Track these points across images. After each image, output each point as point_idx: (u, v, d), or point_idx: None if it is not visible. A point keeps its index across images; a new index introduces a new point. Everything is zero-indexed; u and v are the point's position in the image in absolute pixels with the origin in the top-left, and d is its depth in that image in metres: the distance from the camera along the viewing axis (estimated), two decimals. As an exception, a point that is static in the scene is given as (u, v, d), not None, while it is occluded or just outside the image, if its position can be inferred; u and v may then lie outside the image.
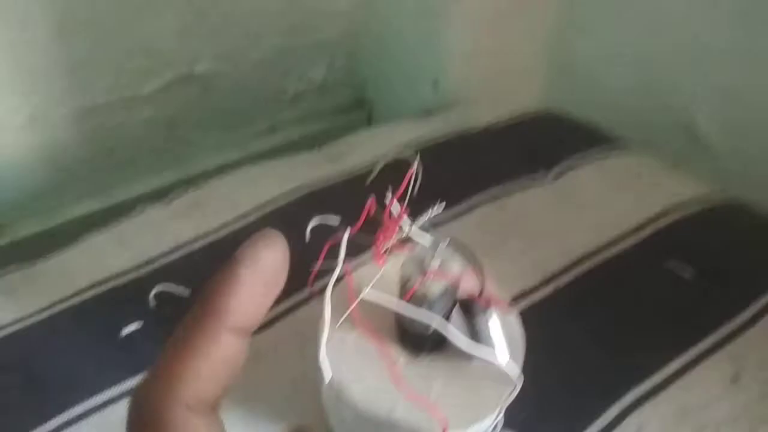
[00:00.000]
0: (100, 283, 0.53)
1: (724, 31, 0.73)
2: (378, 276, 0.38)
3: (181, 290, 0.51)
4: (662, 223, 0.59)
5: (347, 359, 0.38)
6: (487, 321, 0.38)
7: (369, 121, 1.07)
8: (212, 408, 0.21)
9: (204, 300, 0.21)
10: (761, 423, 0.44)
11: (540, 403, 0.43)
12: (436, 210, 0.37)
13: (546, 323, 0.48)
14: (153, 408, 0.20)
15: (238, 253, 0.21)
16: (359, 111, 1.07)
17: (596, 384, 0.46)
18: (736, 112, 0.75)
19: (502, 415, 0.40)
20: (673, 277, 0.54)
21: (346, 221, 0.36)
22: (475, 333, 0.38)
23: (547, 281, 0.53)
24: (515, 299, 0.51)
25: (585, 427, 0.43)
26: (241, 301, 0.21)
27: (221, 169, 0.69)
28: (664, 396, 0.45)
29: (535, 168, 0.66)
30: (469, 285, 0.37)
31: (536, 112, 0.78)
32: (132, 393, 0.20)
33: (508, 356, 0.38)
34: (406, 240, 0.39)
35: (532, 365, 0.38)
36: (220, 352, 0.20)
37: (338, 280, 0.39)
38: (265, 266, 0.21)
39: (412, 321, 0.36)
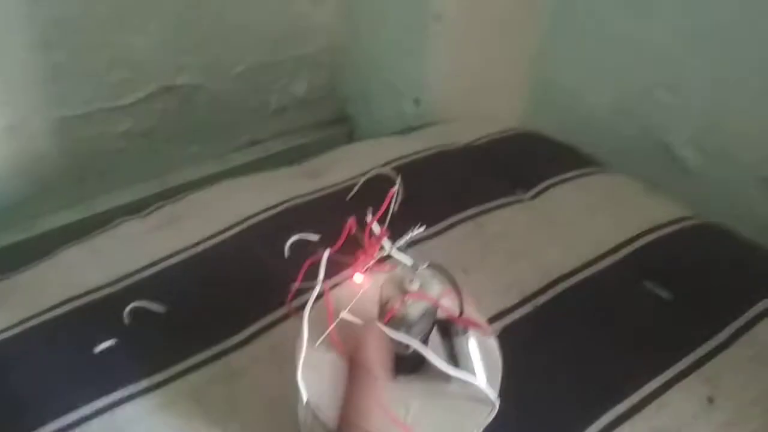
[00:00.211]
0: (74, 298, 0.52)
1: (703, 55, 0.74)
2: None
3: (156, 307, 0.50)
4: (639, 243, 0.59)
5: (324, 379, 0.37)
6: (465, 342, 0.38)
7: (350, 136, 1.07)
8: None
9: None
10: (735, 445, 0.44)
11: (518, 423, 0.43)
12: (416, 232, 0.37)
13: (524, 343, 0.48)
14: None
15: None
16: (340, 126, 1.07)
17: (573, 404, 0.46)
18: (713, 135, 0.77)
19: (479, 436, 0.40)
20: (650, 298, 0.54)
21: (326, 238, 0.36)
22: (454, 354, 0.38)
23: (525, 301, 0.53)
24: (493, 319, 0.51)
25: (562, 449, 0.43)
26: None
27: (200, 182, 0.69)
28: (640, 416, 0.45)
29: (514, 187, 0.66)
30: (448, 306, 0.37)
31: (516, 132, 0.79)
32: None
33: (487, 377, 0.38)
34: (386, 259, 0.39)
35: (510, 386, 0.38)
36: None
37: (317, 299, 0.39)
38: None
39: (391, 342, 0.36)
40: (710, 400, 0.47)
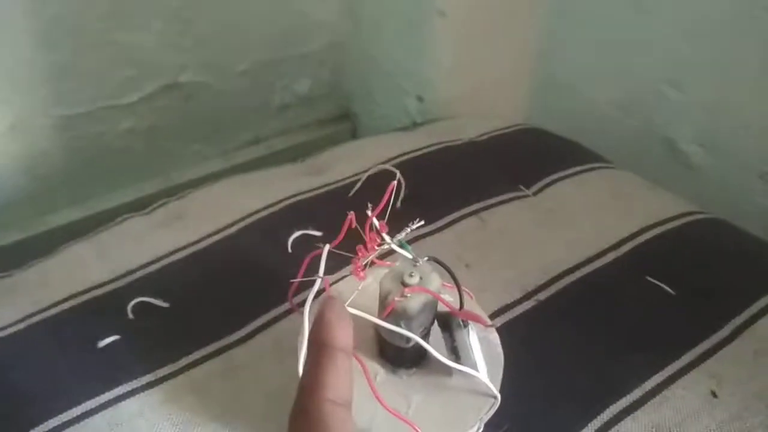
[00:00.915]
0: (78, 294, 0.52)
1: (707, 51, 0.74)
2: (357, 290, 0.37)
3: (159, 302, 0.51)
4: (642, 239, 0.59)
5: (326, 373, 0.37)
6: (466, 336, 0.38)
7: (353, 134, 1.08)
8: (348, 404, 0.29)
9: (316, 339, 0.30)
10: (738, 439, 0.44)
11: (519, 418, 0.43)
12: (415, 225, 0.37)
13: (525, 338, 0.49)
14: (310, 407, 0.28)
15: (321, 308, 0.31)
16: (344, 124, 1.07)
17: (575, 399, 0.46)
18: (717, 131, 0.76)
19: (481, 430, 0.40)
20: (653, 293, 0.54)
21: (328, 234, 0.36)
22: (455, 348, 0.38)
23: (527, 296, 0.53)
24: (495, 314, 0.51)
25: (564, 443, 0.43)
26: (338, 332, 0.30)
27: (203, 180, 0.69)
28: (643, 411, 0.45)
29: (517, 183, 0.66)
30: (448, 300, 0.37)
31: (520, 128, 0.79)
32: (293, 405, 0.29)
33: (488, 371, 0.38)
34: (387, 254, 0.39)
35: (511, 379, 0.39)
36: (341, 366, 0.29)
37: (318, 293, 0.39)
38: (339, 308, 0.31)
39: (392, 335, 0.36)
40: (714, 395, 0.46)
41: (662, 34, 0.78)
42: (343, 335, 0.30)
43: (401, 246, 0.37)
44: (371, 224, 0.37)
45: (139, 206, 0.64)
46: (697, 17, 0.74)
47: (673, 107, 0.80)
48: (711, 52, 0.74)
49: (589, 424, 0.44)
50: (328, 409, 0.28)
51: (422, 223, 0.37)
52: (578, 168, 0.69)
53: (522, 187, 0.66)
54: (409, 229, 0.37)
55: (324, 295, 0.35)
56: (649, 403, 0.46)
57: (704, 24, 0.73)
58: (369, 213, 0.36)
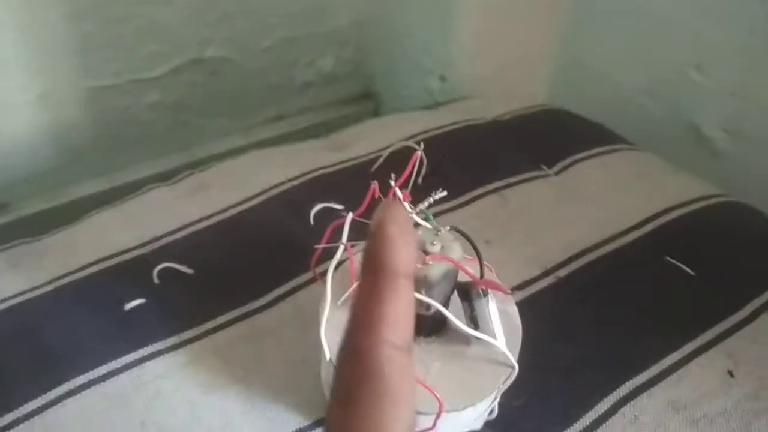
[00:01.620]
0: (105, 258, 0.53)
1: (734, 35, 0.73)
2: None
3: (184, 268, 0.52)
4: (664, 219, 0.59)
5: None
6: (485, 305, 0.39)
7: (376, 112, 1.08)
8: (409, 348, 0.23)
9: (372, 259, 0.24)
10: (755, 418, 0.44)
11: (536, 390, 0.44)
12: (438, 195, 0.37)
13: (545, 313, 0.49)
14: (363, 349, 0.22)
15: (378, 217, 0.25)
16: (366, 102, 1.08)
17: (592, 374, 0.46)
18: (743, 117, 0.76)
19: (498, 399, 0.41)
20: (673, 273, 0.54)
21: (350, 206, 0.37)
22: (474, 317, 0.39)
23: (546, 273, 0.54)
24: (515, 289, 0.51)
25: (580, 416, 0.44)
26: (401, 251, 0.24)
27: (226, 155, 0.70)
28: (659, 388, 0.45)
29: (539, 162, 0.66)
30: (468, 270, 0.38)
31: (543, 108, 0.79)
32: (342, 344, 0.24)
33: (506, 340, 0.38)
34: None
35: (529, 353, 0.39)
36: (403, 298, 0.23)
37: (340, 262, 0.40)
38: (403, 218, 0.25)
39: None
40: (730, 374, 0.47)
41: (688, 17, 0.77)
42: (406, 257, 0.24)
43: (423, 215, 0.37)
44: (394, 194, 0.37)
45: (163, 179, 0.65)
46: (723, 2, 0.73)
47: (698, 92, 0.79)
48: (737, 37, 0.73)
49: (605, 399, 0.45)
50: (387, 353, 0.22)
51: (445, 193, 0.37)
52: (601, 149, 0.69)
53: (544, 167, 0.66)
54: (432, 199, 0.37)
55: (386, 200, 0.29)
56: (665, 380, 0.46)
57: (731, 7, 0.72)
58: (392, 183, 0.37)
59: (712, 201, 0.62)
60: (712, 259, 0.55)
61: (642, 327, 0.50)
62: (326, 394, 0.42)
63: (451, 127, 0.71)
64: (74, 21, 0.76)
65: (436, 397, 0.35)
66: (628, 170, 0.67)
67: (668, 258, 0.55)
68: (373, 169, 0.62)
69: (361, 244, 0.42)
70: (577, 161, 0.67)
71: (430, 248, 0.36)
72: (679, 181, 0.66)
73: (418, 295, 0.35)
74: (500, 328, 0.39)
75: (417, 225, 0.37)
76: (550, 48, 0.93)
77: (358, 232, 0.36)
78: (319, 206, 0.57)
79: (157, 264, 0.51)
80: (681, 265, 0.55)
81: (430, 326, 0.39)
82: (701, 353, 0.48)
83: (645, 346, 0.48)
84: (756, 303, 0.52)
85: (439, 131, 0.70)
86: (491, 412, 0.42)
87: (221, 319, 0.48)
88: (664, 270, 0.55)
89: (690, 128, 0.81)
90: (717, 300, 0.52)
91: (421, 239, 0.37)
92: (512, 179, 0.63)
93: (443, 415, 0.35)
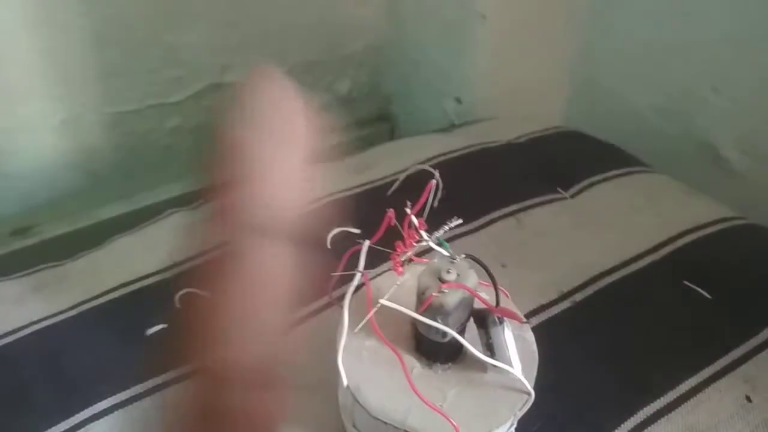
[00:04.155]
0: (127, 284, 0.54)
1: (750, 55, 0.73)
2: (396, 285, 0.39)
3: (204, 293, 0.52)
4: (680, 243, 0.59)
5: (364, 365, 0.39)
6: (501, 332, 0.39)
7: (392, 135, 1.09)
8: None
9: None
10: (773, 444, 0.44)
11: (553, 416, 0.44)
12: (454, 224, 0.38)
13: (561, 338, 0.49)
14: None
15: None
16: (383, 125, 1.09)
17: (609, 400, 0.46)
18: (759, 137, 0.75)
19: (515, 426, 0.41)
20: (689, 297, 0.54)
21: (367, 231, 0.38)
22: (490, 344, 0.39)
23: (563, 297, 0.54)
24: (531, 314, 0.51)
25: (597, 442, 0.44)
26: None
27: (246, 178, 0.70)
28: (677, 413, 0.45)
29: (554, 185, 0.66)
30: (484, 298, 0.38)
31: (558, 130, 0.79)
32: None
33: (522, 367, 0.38)
34: (425, 251, 0.40)
35: (546, 378, 0.39)
36: None
37: (357, 288, 0.40)
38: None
39: (429, 330, 0.37)
40: (748, 399, 0.46)
41: (704, 38, 0.77)
42: None
43: (439, 243, 0.38)
44: (410, 222, 0.38)
45: (184, 202, 0.66)
46: (739, 21, 0.73)
47: (714, 113, 0.79)
48: (753, 57, 0.73)
49: (622, 425, 0.45)
50: None
51: (460, 221, 0.38)
52: (616, 171, 0.69)
53: (560, 190, 0.66)
54: (447, 227, 0.38)
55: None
56: (683, 405, 0.46)
57: (747, 28, 0.73)
58: (408, 211, 0.37)
59: (729, 224, 0.62)
60: (729, 283, 0.55)
61: (659, 351, 0.50)
62: (344, 419, 0.42)
63: (467, 150, 0.72)
64: (97, 48, 0.77)
65: (453, 425, 0.35)
66: (644, 193, 0.67)
67: (686, 282, 0.55)
68: (389, 193, 0.63)
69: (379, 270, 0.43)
70: (593, 184, 0.67)
71: (445, 276, 0.36)
72: (696, 203, 0.66)
73: (434, 323, 0.36)
74: (516, 354, 0.39)
75: (432, 252, 0.37)
76: (565, 70, 0.94)
77: (376, 257, 0.36)
78: (335, 231, 0.58)
79: (178, 289, 0.52)
80: (698, 288, 0.54)
81: (447, 353, 0.39)
82: (719, 378, 0.48)
83: (662, 370, 0.48)
84: (774, 327, 0.51)
85: (455, 154, 0.71)
86: (508, 438, 0.42)
87: (240, 344, 0.49)
88: (681, 294, 0.54)
89: (707, 149, 0.81)
90: (734, 324, 0.52)
91: (437, 267, 0.37)
92: (528, 202, 0.64)
93: (460, 442, 0.35)
